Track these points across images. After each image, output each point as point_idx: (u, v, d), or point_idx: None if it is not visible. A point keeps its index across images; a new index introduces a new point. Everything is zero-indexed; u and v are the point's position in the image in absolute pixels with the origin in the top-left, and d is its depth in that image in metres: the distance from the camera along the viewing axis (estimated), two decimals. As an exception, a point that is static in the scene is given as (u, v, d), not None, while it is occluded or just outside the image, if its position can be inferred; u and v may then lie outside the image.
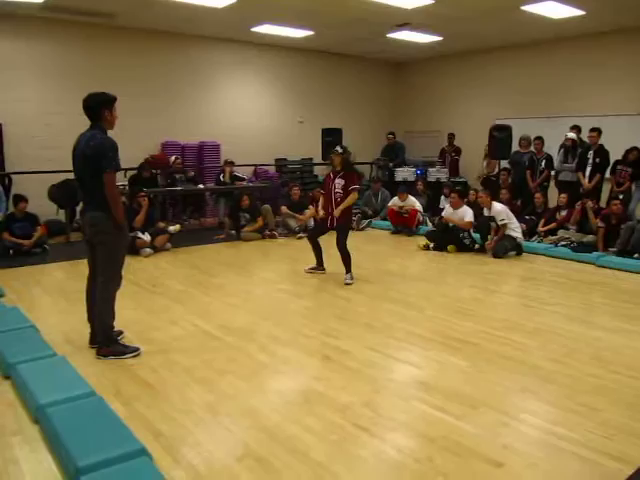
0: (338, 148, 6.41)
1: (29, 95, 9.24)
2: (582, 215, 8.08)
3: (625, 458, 2.74)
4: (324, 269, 6.68)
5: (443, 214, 8.26)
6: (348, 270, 6.34)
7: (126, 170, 9.27)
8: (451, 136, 11.94)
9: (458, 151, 11.91)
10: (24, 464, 2.72)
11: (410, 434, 3.02)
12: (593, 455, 2.77)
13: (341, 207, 6.20)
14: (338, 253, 6.28)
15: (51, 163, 8.59)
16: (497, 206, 7.66)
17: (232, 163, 10.21)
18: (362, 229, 9.88)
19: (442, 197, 10.24)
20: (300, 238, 9.13)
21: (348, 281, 6.28)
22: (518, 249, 7.70)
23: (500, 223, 7.56)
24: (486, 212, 7.77)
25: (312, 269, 6.70)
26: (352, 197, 6.23)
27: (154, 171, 9.90)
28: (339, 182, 6.26)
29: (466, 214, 7.91)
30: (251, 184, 10.54)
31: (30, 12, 8.74)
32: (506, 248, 7.59)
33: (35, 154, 9.08)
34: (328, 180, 6.44)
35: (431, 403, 3.33)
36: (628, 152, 8.48)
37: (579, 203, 8.12)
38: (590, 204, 8.00)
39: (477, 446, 2.85)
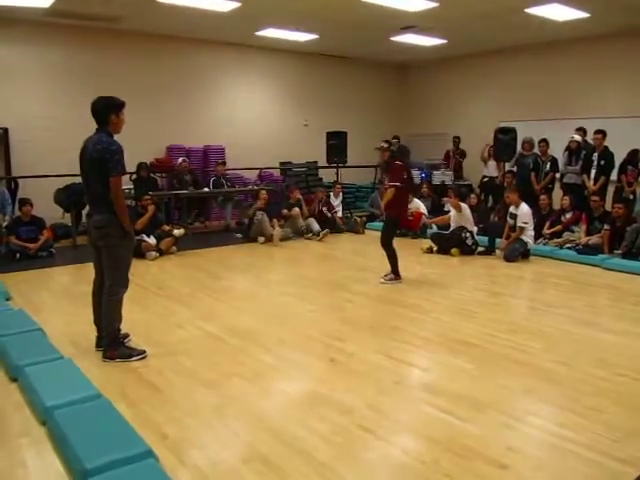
0: (383, 144, 6.40)
1: (35, 100, 9.30)
2: (588, 220, 8.07)
3: (631, 460, 2.74)
4: (400, 277, 6.42)
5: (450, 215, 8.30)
6: (392, 270, 6.34)
7: (131, 174, 9.32)
8: (457, 139, 11.94)
9: (463, 154, 11.91)
10: (32, 466, 2.74)
11: (415, 436, 3.02)
12: (599, 457, 2.77)
13: (384, 202, 6.31)
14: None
15: (57, 167, 8.62)
16: (524, 207, 7.69)
17: (224, 163, 10.44)
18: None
19: (444, 199, 10.23)
20: (308, 238, 9.16)
21: (382, 280, 6.31)
22: (526, 253, 7.72)
23: (519, 225, 7.59)
24: (512, 209, 7.83)
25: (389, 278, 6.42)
26: (388, 193, 6.21)
27: (159, 173, 9.99)
28: (386, 179, 6.36)
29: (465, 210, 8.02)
30: (256, 187, 10.56)
31: (35, 17, 8.80)
32: (518, 252, 7.60)
33: (41, 158, 9.13)
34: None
35: (436, 405, 3.33)
36: (635, 152, 8.55)
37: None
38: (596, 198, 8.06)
39: (482, 448, 2.85)
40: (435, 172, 11.48)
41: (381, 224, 9.95)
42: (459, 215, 7.99)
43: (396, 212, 6.33)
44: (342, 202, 10.79)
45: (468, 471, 2.66)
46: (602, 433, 3.00)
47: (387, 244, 6.33)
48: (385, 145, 6.33)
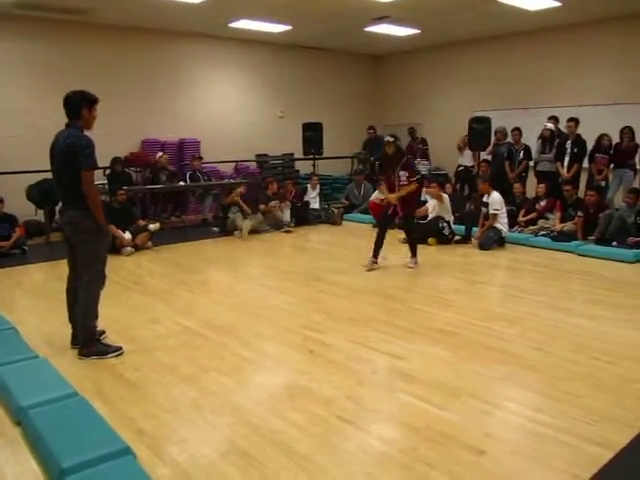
0: (389, 138, 6.47)
1: (6, 94, 9.09)
2: (562, 207, 8.15)
3: (606, 443, 2.78)
4: (377, 262, 6.64)
5: (427, 206, 8.33)
6: (412, 254, 6.73)
7: (105, 169, 9.20)
8: (412, 130, 11.98)
9: (424, 142, 11.94)
10: (6, 467, 2.69)
11: (394, 425, 3.03)
12: (575, 441, 2.81)
13: (402, 192, 6.40)
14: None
15: (29, 163, 8.45)
16: (495, 195, 7.77)
17: (200, 158, 10.34)
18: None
19: (423, 189, 10.26)
20: (288, 232, 9.16)
21: (410, 266, 6.66)
22: (501, 241, 7.79)
23: (491, 212, 7.66)
24: (485, 198, 7.92)
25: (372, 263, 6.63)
26: (412, 186, 6.41)
27: (133, 168, 9.88)
28: (403, 174, 6.41)
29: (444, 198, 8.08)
30: (232, 180, 10.50)
31: (4, 10, 8.60)
32: (492, 240, 7.67)
33: (13, 154, 8.93)
34: (389, 171, 6.55)
35: (414, 394, 3.35)
36: (601, 139, 8.64)
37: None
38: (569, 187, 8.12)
39: (460, 435, 2.87)
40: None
41: (358, 215, 10.16)
42: (440, 205, 8.03)
43: (415, 207, 6.65)
44: (319, 194, 10.76)
45: (447, 458, 2.68)
46: (578, 417, 3.04)
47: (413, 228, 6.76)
48: (391, 139, 6.45)
